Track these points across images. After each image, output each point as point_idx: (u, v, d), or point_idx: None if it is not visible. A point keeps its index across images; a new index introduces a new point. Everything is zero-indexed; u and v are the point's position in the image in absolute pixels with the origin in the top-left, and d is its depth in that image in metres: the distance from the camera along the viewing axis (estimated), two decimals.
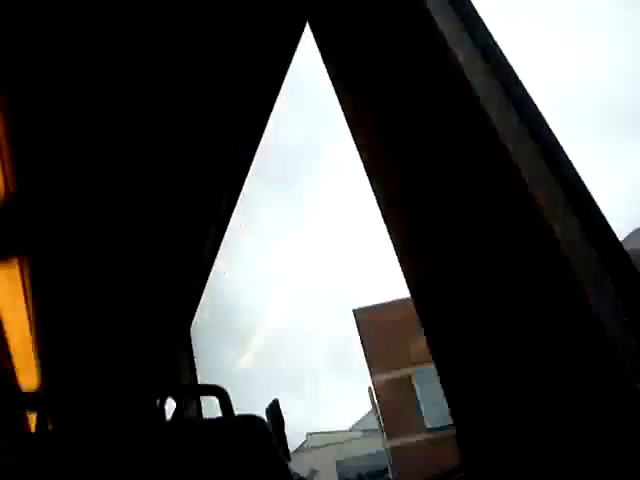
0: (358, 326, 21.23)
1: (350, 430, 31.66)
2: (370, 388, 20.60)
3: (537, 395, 0.81)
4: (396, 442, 18.84)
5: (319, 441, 28.28)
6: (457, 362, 0.96)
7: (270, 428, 1.94)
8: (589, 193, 0.91)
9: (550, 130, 0.97)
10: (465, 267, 0.94)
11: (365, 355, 20.94)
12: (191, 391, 2.85)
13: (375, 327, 20.22)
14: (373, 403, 20.73)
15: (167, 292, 3.08)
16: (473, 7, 1.09)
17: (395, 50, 1.08)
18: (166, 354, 3.36)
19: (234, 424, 1.89)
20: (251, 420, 1.87)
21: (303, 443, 28.74)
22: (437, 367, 1.01)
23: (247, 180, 2.50)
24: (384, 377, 20.08)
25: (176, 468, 1.67)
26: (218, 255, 2.97)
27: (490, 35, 1.05)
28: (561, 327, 0.80)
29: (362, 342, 20.98)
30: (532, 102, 0.99)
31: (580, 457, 0.75)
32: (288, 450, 2.08)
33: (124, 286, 2.96)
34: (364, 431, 28.48)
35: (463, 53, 0.98)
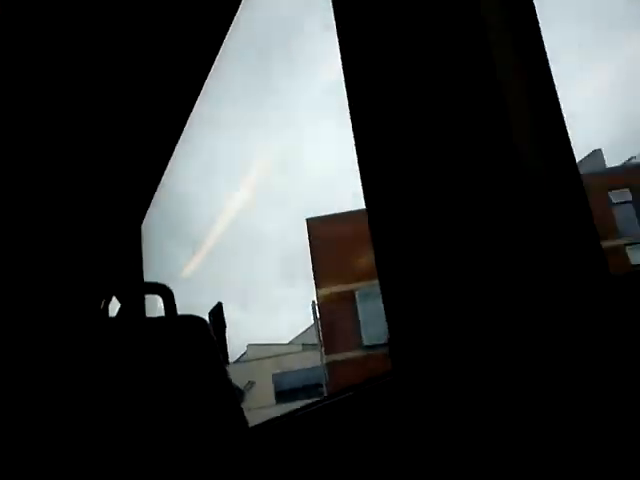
0: (309, 236, 21.29)
1: (290, 343, 32.56)
2: (314, 302, 20.92)
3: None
4: (333, 357, 19.17)
5: (258, 353, 28.95)
6: (401, 280, 1.01)
7: (212, 331, 1.89)
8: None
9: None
10: (424, 187, 0.98)
11: (313, 266, 21.12)
12: (135, 289, 2.73)
13: (326, 238, 20.18)
14: (315, 317, 21.12)
15: (119, 186, 2.83)
16: None
17: None
18: (114, 253, 3.20)
19: (176, 323, 1.83)
20: (193, 320, 1.82)
21: (242, 354, 29.52)
22: (381, 285, 1.04)
23: (212, 72, 2.20)
24: (328, 290, 20.29)
25: (114, 365, 1.68)
26: (176, 152, 2.70)
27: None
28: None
29: (311, 253, 21.07)
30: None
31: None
32: (227, 354, 1.99)
33: (73, 176, 2.70)
34: (304, 345, 29.31)
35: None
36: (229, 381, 1.76)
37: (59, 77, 2.11)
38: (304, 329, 30.82)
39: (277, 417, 1.69)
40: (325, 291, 20.34)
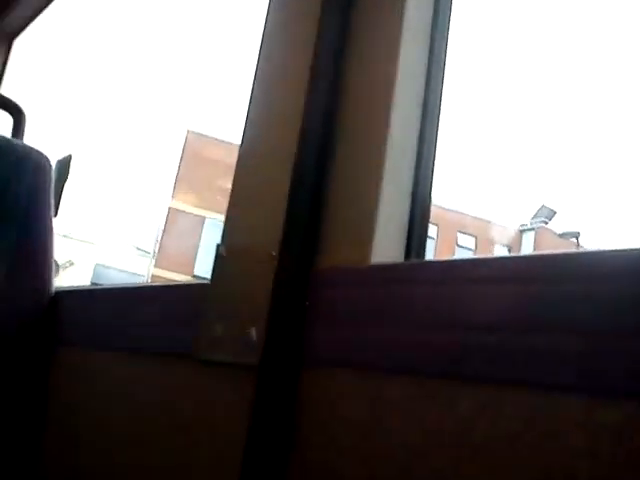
0: (184, 146, 20.79)
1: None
2: (170, 208, 20.46)
3: None
4: (159, 272, 19.03)
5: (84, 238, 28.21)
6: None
7: (53, 174, 1.73)
8: None
9: None
10: None
11: (175, 177, 20.70)
12: None
13: (198, 156, 19.89)
14: (160, 228, 20.74)
15: None
16: None
17: None
18: None
19: (16, 148, 1.63)
20: (36, 153, 1.62)
21: (68, 233, 28.54)
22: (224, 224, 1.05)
23: None
24: (182, 206, 20.02)
25: None
26: None
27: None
28: None
29: (179, 163, 20.64)
30: None
31: None
32: (58, 208, 1.82)
33: None
34: (138, 249, 28.84)
35: None
36: (51, 235, 1.64)
37: None
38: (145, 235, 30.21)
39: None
40: (178, 205, 20.01)
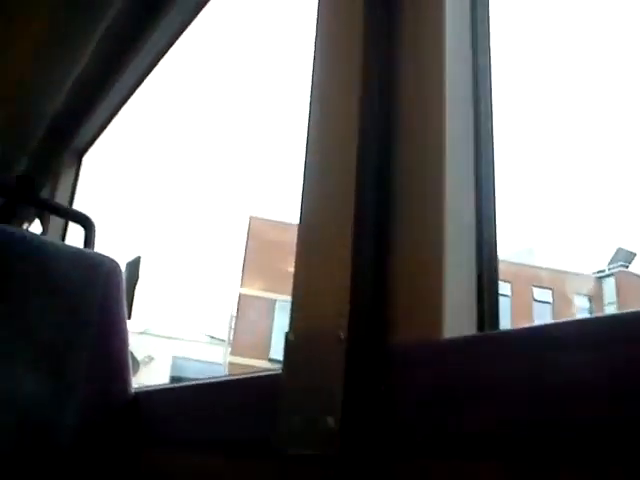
0: (248, 232, 21.24)
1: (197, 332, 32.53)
2: (241, 294, 20.76)
3: None
4: (237, 359, 19.16)
5: (163, 331, 28.73)
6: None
7: (124, 277, 1.79)
8: None
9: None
10: None
11: (243, 264, 21.06)
12: (59, 212, 2.61)
13: (263, 241, 20.25)
14: (232, 314, 21.01)
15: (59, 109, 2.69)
16: None
17: None
18: (50, 169, 3.05)
19: (89, 256, 1.70)
20: (108, 260, 1.69)
21: (146, 329, 29.19)
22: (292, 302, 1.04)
23: None
24: (251, 292, 20.28)
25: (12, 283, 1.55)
26: None
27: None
28: None
29: (245, 250, 21.05)
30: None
31: None
32: (132, 309, 1.89)
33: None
34: (211, 337, 29.24)
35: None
36: (126, 337, 1.69)
37: None
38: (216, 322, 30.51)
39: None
40: (248, 291, 20.29)
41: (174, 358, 26.68)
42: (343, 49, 1.14)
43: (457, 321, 0.84)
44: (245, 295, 20.34)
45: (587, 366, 0.61)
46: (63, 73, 2.26)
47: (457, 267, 0.88)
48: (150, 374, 21.80)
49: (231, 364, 19.26)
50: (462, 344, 0.79)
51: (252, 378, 1.29)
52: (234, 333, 20.41)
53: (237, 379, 1.41)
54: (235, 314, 20.73)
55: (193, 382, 1.51)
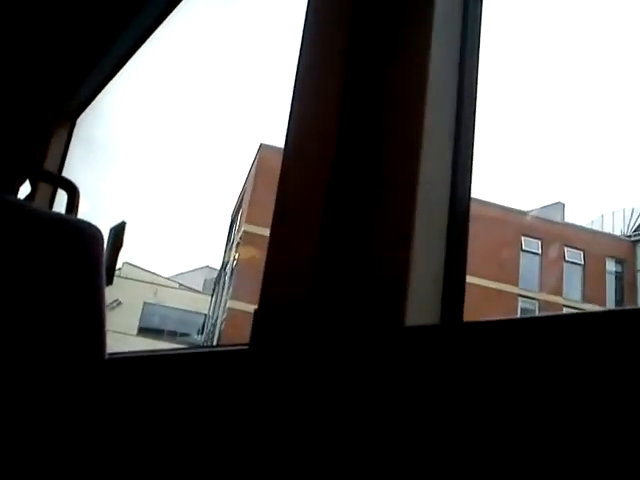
0: (256, 163, 20.94)
1: (168, 279, 33.17)
2: (245, 231, 20.46)
3: None
4: (237, 305, 19.02)
5: (132, 274, 28.63)
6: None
7: (106, 243, 1.95)
8: None
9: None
10: None
11: (250, 198, 20.74)
12: (46, 177, 2.94)
13: (275, 173, 19.89)
14: (233, 257, 20.74)
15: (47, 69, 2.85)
16: None
17: None
18: (43, 137, 3.22)
19: (69, 222, 1.85)
20: (88, 226, 1.84)
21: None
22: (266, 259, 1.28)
23: None
24: (258, 229, 19.98)
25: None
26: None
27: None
28: None
29: (254, 182, 20.69)
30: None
31: None
32: (112, 277, 2.08)
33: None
34: (181, 285, 29.17)
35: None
36: (102, 305, 1.82)
37: None
38: (187, 270, 30.70)
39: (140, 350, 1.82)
40: (253, 228, 19.98)
41: (145, 303, 26.04)
42: (331, 32, 1.33)
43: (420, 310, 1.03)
44: (249, 232, 20.02)
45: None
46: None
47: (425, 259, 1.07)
48: (116, 321, 21.31)
49: (231, 309, 19.46)
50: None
51: (220, 352, 1.51)
52: (236, 273, 20.21)
53: (207, 352, 1.62)
54: (236, 254, 20.57)
55: (162, 351, 1.70)
